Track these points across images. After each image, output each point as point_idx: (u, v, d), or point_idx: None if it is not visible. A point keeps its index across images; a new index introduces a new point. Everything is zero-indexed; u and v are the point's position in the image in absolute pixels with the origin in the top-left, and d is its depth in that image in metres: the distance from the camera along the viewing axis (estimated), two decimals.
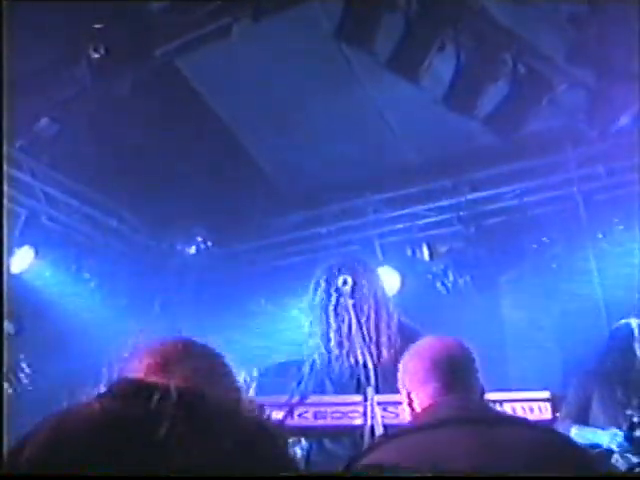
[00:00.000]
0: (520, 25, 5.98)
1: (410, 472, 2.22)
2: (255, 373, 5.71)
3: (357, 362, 3.99)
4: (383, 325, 4.76)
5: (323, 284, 4.83)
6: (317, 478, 2.88)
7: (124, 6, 5.86)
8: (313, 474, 3.81)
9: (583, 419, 5.26)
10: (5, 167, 7.10)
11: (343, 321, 4.55)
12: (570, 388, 5.52)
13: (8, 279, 7.08)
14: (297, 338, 5.30)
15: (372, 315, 4.76)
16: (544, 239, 8.21)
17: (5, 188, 7.17)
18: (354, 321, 4.26)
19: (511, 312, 8.35)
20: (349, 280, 4.60)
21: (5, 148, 5.55)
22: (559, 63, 6.14)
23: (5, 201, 5.87)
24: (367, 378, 3.82)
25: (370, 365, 3.90)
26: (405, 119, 7.77)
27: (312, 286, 4.99)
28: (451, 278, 8.61)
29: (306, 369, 4.81)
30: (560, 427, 4.85)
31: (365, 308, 4.76)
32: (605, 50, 5.66)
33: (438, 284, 8.70)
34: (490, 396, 3.94)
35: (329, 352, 4.78)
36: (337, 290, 4.67)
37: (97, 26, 6.07)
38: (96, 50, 6.07)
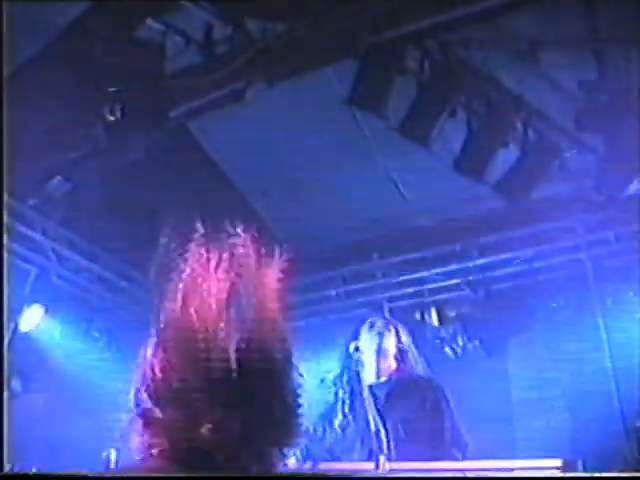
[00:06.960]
0: (530, 91, 6.06)
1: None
2: None
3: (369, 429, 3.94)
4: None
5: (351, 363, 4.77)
6: (317, 478, 2.83)
7: (140, 68, 5.93)
8: (314, 474, 3.74)
9: None
10: (16, 224, 7.17)
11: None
12: None
13: (16, 337, 7.08)
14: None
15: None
16: (553, 304, 8.18)
17: (15, 246, 7.23)
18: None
19: (519, 375, 8.27)
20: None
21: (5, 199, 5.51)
22: (568, 129, 6.21)
23: (6, 255, 5.81)
24: (379, 446, 3.77)
25: (382, 434, 3.86)
26: (415, 183, 7.80)
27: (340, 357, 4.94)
28: (460, 342, 8.56)
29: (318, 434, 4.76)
30: None
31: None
32: (614, 116, 5.71)
33: (447, 348, 8.64)
34: (501, 464, 3.90)
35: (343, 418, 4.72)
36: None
37: (112, 89, 6.14)
38: (111, 112, 6.13)
